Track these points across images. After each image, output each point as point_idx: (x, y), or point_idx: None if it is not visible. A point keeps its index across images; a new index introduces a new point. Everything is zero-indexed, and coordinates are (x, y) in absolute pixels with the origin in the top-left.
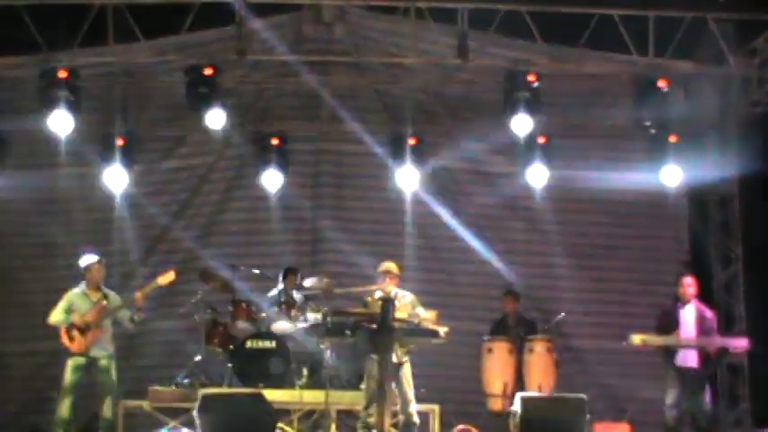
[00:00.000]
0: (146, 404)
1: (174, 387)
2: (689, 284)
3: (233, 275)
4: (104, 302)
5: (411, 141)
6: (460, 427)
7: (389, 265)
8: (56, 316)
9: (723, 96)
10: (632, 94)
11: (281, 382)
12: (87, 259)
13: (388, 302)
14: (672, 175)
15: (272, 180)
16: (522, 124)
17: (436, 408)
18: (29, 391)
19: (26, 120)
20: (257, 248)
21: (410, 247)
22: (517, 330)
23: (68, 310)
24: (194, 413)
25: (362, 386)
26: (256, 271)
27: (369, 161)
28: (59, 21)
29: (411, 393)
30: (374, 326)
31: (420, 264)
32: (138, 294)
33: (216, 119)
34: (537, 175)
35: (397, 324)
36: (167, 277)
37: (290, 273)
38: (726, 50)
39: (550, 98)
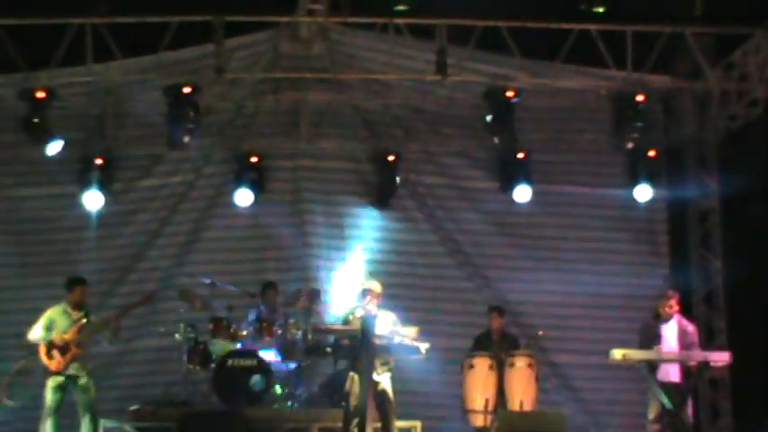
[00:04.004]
0: (126, 425)
1: (154, 406)
2: (672, 305)
3: (212, 293)
4: (84, 321)
5: (390, 158)
6: None
7: (372, 283)
8: (35, 333)
9: (701, 111)
10: (611, 109)
11: (262, 400)
12: (73, 281)
13: (368, 319)
14: (651, 190)
15: (250, 197)
16: (501, 140)
17: (418, 424)
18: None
19: (4, 139)
20: (237, 266)
21: (390, 263)
22: (500, 346)
23: (48, 328)
24: None
25: (343, 404)
26: (235, 288)
27: (348, 178)
28: (38, 40)
29: (392, 409)
30: (355, 343)
31: (400, 280)
32: (112, 318)
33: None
34: (516, 191)
35: (377, 341)
36: (146, 299)
37: (268, 288)
38: (704, 64)
39: (529, 113)
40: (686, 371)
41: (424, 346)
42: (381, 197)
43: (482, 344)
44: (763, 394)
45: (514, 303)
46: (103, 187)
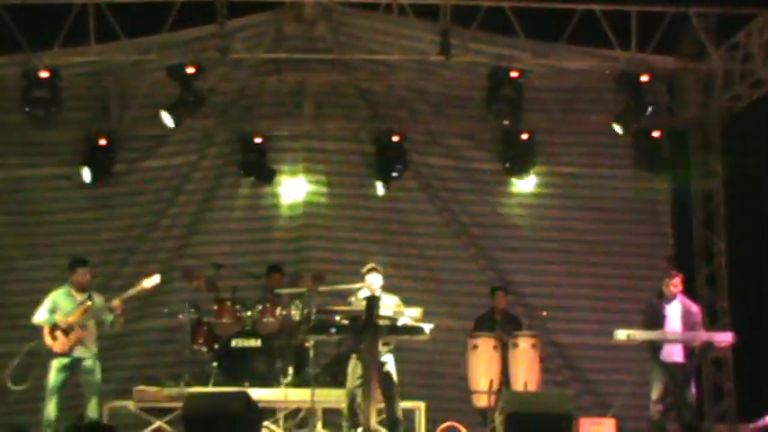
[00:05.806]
0: (131, 404)
1: (159, 387)
2: (676, 285)
3: (217, 274)
4: (89, 303)
5: (394, 138)
6: (447, 423)
7: (375, 265)
8: (39, 315)
9: (705, 91)
10: (615, 90)
11: (267, 381)
12: (74, 262)
13: (372, 300)
14: (655, 171)
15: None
16: (505, 120)
17: (422, 405)
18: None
19: (8, 119)
20: (241, 247)
21: (395, 244)
22: (503, 327)
23: (52, 310)
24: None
25: (347, 384)
26: (240, 269)
27: (352, 159)
28: (41, 20)
29: (396, 390)
30: (358, 324)
31: (405, 261)
32: (117, 302)
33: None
34: (520, 172)
35: (381, 321)
36: (151, 281)
37: (273, 271)
38: (708, 45)
39: (533, 94)
40: (690, 351)
41: (428, 327)
42: (385, 178)
43: (484, 324)
44: (766, 375)
45: (518, 284)
46: (107, 168)
